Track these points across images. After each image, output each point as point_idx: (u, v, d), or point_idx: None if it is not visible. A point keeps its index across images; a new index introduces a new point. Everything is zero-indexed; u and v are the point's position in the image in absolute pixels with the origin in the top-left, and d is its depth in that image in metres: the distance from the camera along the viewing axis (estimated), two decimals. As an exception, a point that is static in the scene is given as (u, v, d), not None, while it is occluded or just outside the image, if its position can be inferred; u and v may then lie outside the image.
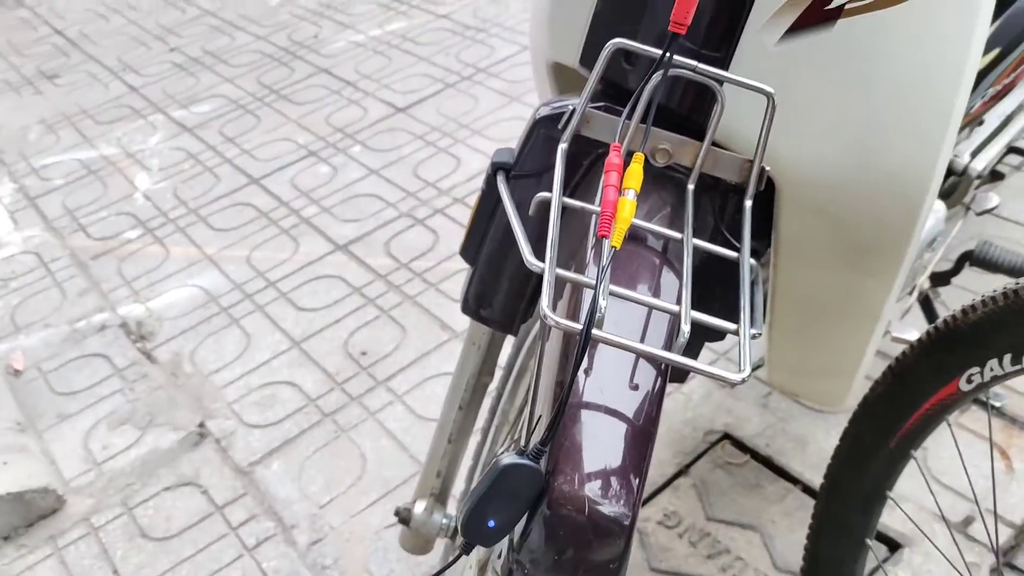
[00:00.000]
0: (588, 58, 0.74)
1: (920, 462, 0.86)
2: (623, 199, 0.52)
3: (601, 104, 0.67)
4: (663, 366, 0.55)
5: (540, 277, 0.58)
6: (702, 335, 0.76)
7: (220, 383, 1.65)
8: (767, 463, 1.36)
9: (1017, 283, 0.69)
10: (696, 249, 0.59)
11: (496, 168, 0.72)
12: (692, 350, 0.80)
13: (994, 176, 1.52)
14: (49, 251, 2.09)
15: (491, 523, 0.50)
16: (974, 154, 1.18)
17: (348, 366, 1.65)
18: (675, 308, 0.53)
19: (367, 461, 1.46)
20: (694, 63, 0.58)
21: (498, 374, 0.99)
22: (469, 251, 0.80)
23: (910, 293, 1.21)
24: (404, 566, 1.29)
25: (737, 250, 0.60)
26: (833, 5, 0.63)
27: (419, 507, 1.03)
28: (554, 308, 0.50)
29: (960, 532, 1.22)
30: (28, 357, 1.78)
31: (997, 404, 1.37)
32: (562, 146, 0.62)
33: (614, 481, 0.50)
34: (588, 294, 0.57)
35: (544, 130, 0.71)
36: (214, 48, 2.92)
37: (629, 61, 0.69)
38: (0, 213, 2.26)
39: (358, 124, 2.37)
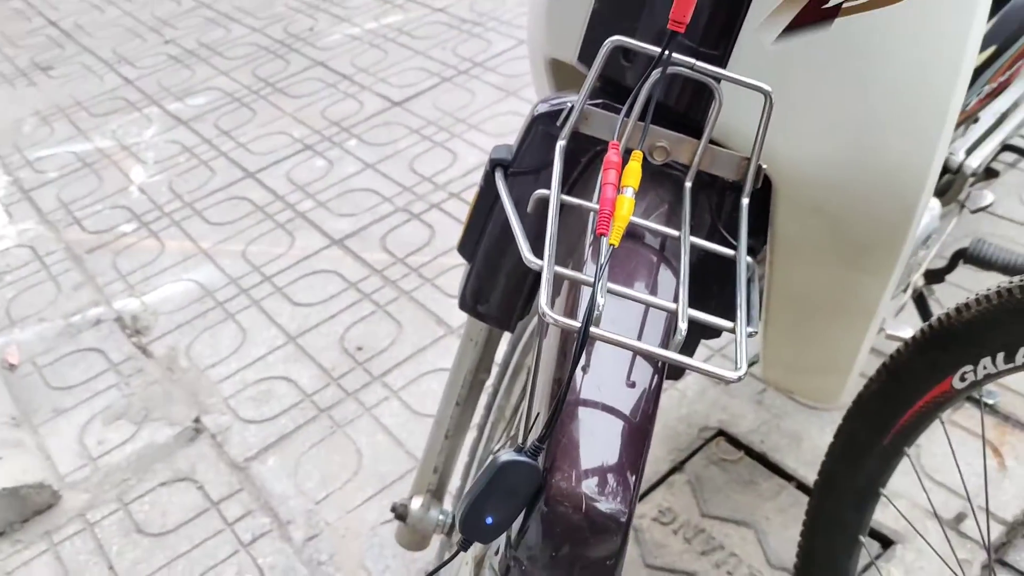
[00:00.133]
0: (586, 55, 0.74)
1: (913, 459, 0.86)
2: (621, 197, 0.52)
3: (599, 101, 0.67)
4: (660, 363, 0.56)
5: (538, 274, 0.58)
6: (698, 332, 0.76)
7: (216, 378, 1.65)
8: (761, 460, 1.36)
9: (1011, 282, 0.70)
10: (693, 247, 0.59)
11: (494, 165, 0.72)
12: (688, 347, 0.80)
13: (989, 174, 1.53)
14: (44, 244, 2.09)
15: (489, 520, 0.50)
16: (969, 151, 1.18)
17: (344, 361, 1.65)
18: (672, 306, 0.53)
19: (363, 457, 1.47)
20: (692, 61, 0.58)
21: (494, 371, 0.99)
22: (467, 247, 0.80)
23: (904, 290, 1.21)
24: (400, 562, 1.30)
25: (734, 248, 0.60)
26: (830, 4, 0.63)
27: (415, 503, 1.03)
28: (552, 305, 0.50)
29: (952, 529, 1.23)
30: (23, 351, 1.78)
31: (990, 402, 1.37)
32: (560, 143, 0.62)
33: (611, 478, 0.50)
34: (586, 292, 0.58)
35: (542, 127, 0.72)
36: (209, 40, 2.91)
37: (627, 58, 0.69)
38: (-6, 206, 2.26)
39: (354, 118, 2.37)
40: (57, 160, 2.41)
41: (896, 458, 0.85)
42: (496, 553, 0.56)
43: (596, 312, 0.49)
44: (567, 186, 0.71)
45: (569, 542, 0.49)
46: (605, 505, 0.49)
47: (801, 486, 1.32)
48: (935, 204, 1.08)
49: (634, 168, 0.54)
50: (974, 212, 1.24)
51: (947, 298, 1.49)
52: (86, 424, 1.60)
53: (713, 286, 0.71)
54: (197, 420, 1.58)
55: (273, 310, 1.79)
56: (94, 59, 2.91)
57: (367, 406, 1.55)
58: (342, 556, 1.32)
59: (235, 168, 2.25)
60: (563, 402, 0.50)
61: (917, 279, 1.24)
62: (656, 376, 0.55)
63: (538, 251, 0.54)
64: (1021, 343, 0.70)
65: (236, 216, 2.08)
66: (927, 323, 0.78)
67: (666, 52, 0.56)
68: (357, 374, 1.62)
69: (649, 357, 0.55)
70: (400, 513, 1.03)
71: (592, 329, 0.49)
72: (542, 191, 0.61)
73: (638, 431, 0.53)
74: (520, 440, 0.57)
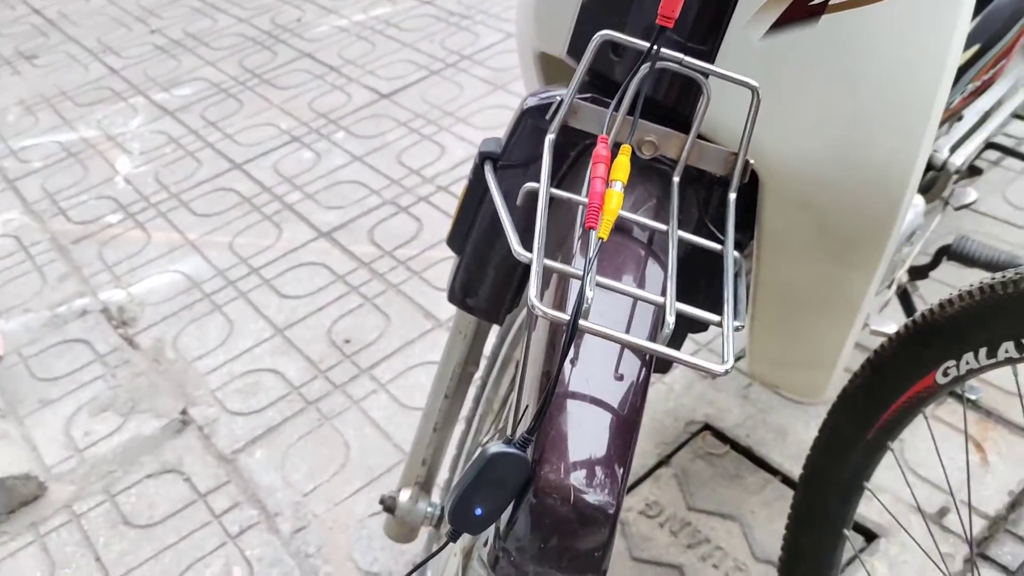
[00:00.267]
0: (576, 49, 0.74)
1: (897, 454, 0.87)
2: (610, 191, 0.52)
3: (588, 95, 0.68)
4: (647, 357, 0.56)
5: (527, 267, 0.58)
6: (686, 326, 0.77)
7: (203, 370, 1.65)
8: (747, 454, 1.37)
9: (993, 278, 0.71)
10: (681, 241, 0.59)
11: (484, 158, 0.73)
12: (676, 341, 0.81)
13: (972, 171, 1.54)
14: (29, 235, 2.07)
15: (478, 511, 0.50)
16: (953, 149, 1.19)
17: (332, 354, 1.65)
18: (660, 299, 0.54)
19: (351, 449, 1.47)
20: (681, 56, 0.59)
21: (482, 364, 1.00)
22: (456, 240, 0.80)
23: (889, 287, 1.22)
24: (388, 554, 1.30)
25: (721, 242, 0.60)
26: (817, 1, 0.63)
27: (404, 495, 1.04)
28: (541, 299, 0.51)
29: (935, 523, 1.24)
30: (8, 342, 1.77)
31: (972, 397, 1.39)
32: (550, 136, 0.63)
33: (599, 470, 0.50)
34: (575, 285, 0.58)
35: (532, 120, 0.72)
36: (196, 30, 2.89)
37: (616, 53, 0.70)
38: (-21, 196, 2.24)
39: (342, 110, 2.36)
40: (42, 150, 2.39)
41: (880, 452, 0.86)
42: (485, 544, 0.56)
43: (585, 305, 0.49)
44: (556, 179, 0.72)
45: (557, 533, 0.50)
46: (593, 497, 0.49)
47: (786, 480, 1.33)
48: (919, 201, 1.09)
49: (623, 162, 0.54)
50: (958, 209, 1.25)
51: (931, 294, 1.51)
52: (72, 415, 1.60)
53: (700, 280, 0.72)
54: (184, 412, 1.57)
55: (260, 302, 1.79)
56: (79, 48, 2.89)
57: (355, 399, 1.55)
58: (330, 548, 1.32)
59: (222, 159, 2.24)
60: (552, 394, 0.51)
61: (901, 275, 1.25)
62: (644, 369, 0.56)
63: (527, 244, 0.54)
64: (1003, 338, 0.71)
65: (223, 207, 2.07)
66: (911, 319, 0.79)
67: (655, 47, 0.57)
68: (345, 367, 1.62)
69: (637, 350, 0.55)
70: (388, 505, 1.04)
71: (581, 322, 0.49)
72: (532, 184, 0.61)
73: (626, 424, 0.53)
74: (509, 432, 0.57)
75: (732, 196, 0.64)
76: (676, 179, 0.64)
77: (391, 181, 2.07)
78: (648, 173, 0.68)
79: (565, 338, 0.49)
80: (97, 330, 1.77)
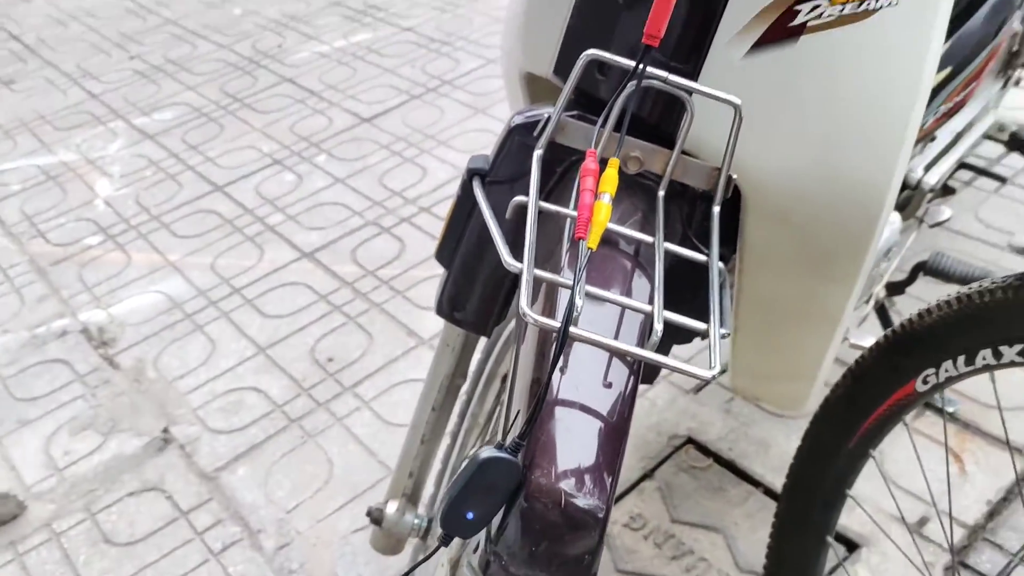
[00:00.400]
0: (562, 68, 0.76)
1: (878, 465, 0.89)
2: (599, 202, 0.54)
3: (574, 112, 0.70)
4: (635, 365, 0.57)
5: (514, 280, 0.60)
6: (671, 337, 0.78)
7: (184, 389, 1.65)
8: (730, 467, 1.39)
9: (971, 288, 0.73)
10: (666, 253, 0.61)
11: (472, 174, 0.74)
12: (662, 350, 0.82)
13: (946, 191, 1.57)
14: (7, 257, 2.06)
15: (469, 515, 0.51)
16: (927, 168, 1.22)
17: (315, 372, 1.65)
18: (648, 308, 0.55)
19: (334, 466, 1.47)
20: (665, 74, 0.60)
21: (469, 377, 1.01)
22: (444, 254, 0.81)
23: (867, 302, 1.25)
24: (372, 569, 1.30)
25: (706, 254, 0.62)
26: (796, 22, 0.66)
27: (391, 507, 1.04)
28: (531, 308, 0.52)
29: (916, 532, 1.26)
30: (-13, 363, 1.76)
31: (951, 410, 1.41)
32: (538, 152, 0.64)
33: (589, 476, 0.51)
34: (563, 295, 0.59)
35: (519, 137, 0.74)
36: (176, 56, 2.90)
37: (602, 72, 0.71)
38: (-43, 218, 2.23)
39: (323, 133, 2.37)
40: (20, 173, 2.38)
41: (862, 460, 0.88)
42: (475, 550, 0.57)
43: (575, 312, 0.51)
44: (543, 194, 0.73)
45: (548, 538, 0.50)
46: (583, 502, 0.50)
47: (768, 492, 1.34)
48: (896, 218, 1.12)
49: (611, 175, 0.56)
50: (932, 227, 1.28)
51: (908, 309, 1.53)
52: (52, 435, 1.58)
53: (685, 292, 0.73)
54: (166, 431, 1.57)
55: (242, 322, 1.78)
56: (57, 73, 2.89)
57: (338, 416, 1.56)
58: (313, 564, 1.32)
59: (203, 182, 2.24)
60: (543, 401, 0.52)
61: (879, 291, 1.28)
62: (632, 378, 0.57)
63: (516, 256, 0.56)
64: (980, 346, 0.73)
65: (204, 229, 2.07)
66: (891, 328, 0.81)
67: (641, 66, 0.59)
68: (328, 385, 1.62)
69: (625, 359, 0.57)
70: (375, 517, 1.04)
71: (572, 329, 0.51)
72: (521, 198, 0.63)
73: (615, 431, 0.54)
74: (500, 438, 0.58)
75: (716, 210, 0.66)
76: (661, 193, 0.66)
77: (373, 202, 2.08)
78: (634, 188, 0.70)
79: (556, 345, 0.51)
80: (77, 350, 1.77)
